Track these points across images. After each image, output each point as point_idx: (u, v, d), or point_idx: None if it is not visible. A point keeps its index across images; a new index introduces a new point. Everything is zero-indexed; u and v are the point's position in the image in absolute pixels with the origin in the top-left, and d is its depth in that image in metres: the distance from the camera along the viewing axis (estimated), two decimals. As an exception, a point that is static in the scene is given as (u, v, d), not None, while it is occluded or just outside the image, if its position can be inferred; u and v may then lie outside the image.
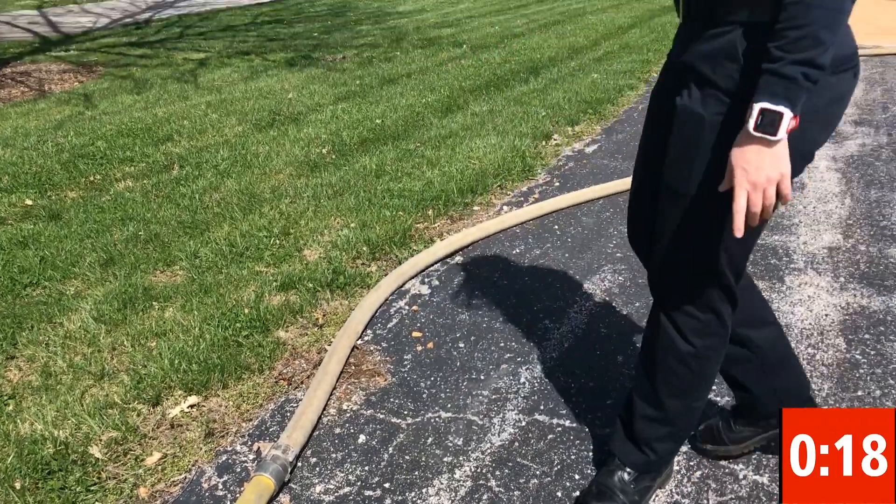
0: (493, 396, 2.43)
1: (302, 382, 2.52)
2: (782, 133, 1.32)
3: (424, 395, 2.45)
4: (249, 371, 2.58)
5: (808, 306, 2.88)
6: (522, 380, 2.51)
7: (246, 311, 2.90)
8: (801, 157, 1.48)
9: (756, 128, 1.33)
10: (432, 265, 3.32)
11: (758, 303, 1.91)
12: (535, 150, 4.85)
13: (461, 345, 2.73)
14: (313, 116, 5.85)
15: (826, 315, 2.82)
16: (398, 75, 7.27)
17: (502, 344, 2.72)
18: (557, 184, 4.34)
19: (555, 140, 5.12)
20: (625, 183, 4.13)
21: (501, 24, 10.42)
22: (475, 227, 3.61)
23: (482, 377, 2.54)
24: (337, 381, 2.50)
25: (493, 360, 2.62)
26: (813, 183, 4.14)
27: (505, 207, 3.99)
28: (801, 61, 1.28)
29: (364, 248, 3.42)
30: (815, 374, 2.47)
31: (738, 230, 1.40)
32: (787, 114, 1.30)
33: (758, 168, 1.35)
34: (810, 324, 2.74)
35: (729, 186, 1.41)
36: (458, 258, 3.41)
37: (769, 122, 1.31)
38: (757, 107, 1.32)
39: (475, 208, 3.99)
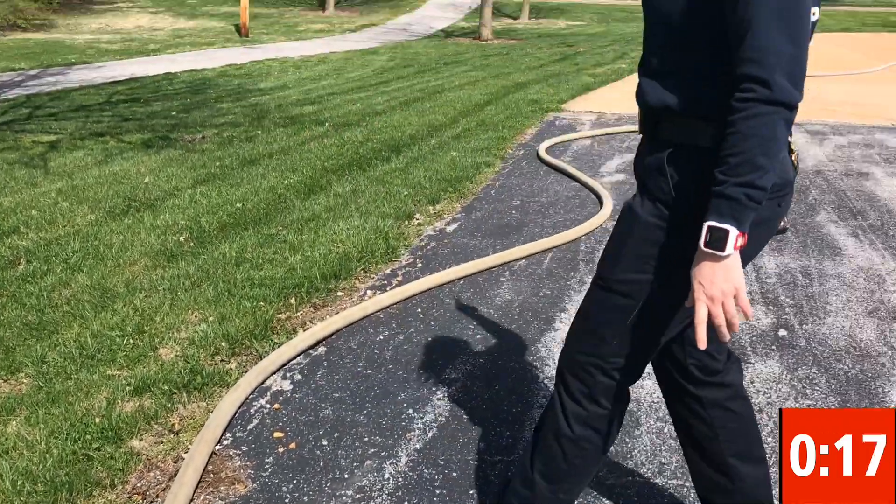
0: (357, 496, 2.41)
1: (157, 496, 2.42)
2: (730, 249, 1.44)
3: (286, 501, 2.39)
4: (101, 487, 2.45)
5: (654, 379, 3.02)
6: (387, 475, 2.51)
7: (97, 420, 2.77)
8: None
9: (706, 244, 1.45)
10: (294, 358, 3.29)
11: (752, 437, 1.96)
12: (398, 231, 4.93)
13: (324, 442, 2.70)
14: (171, 202, 5.72)
15: (673, 388, 2.96)
16: (260, 155, 7.24)
17: (366, 438, 2.72)
18: (420, 264, 4.41)
19: (417, 219, 5.23)
20: (483, 262, 4.26)
21: (363, 101, 10.60)
22: (338, 315, 3.61)
23: (346, 475, 2.51)
24: (195, 492, 2.41)
25: (357, 457, 2.61)
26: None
27: (369, 292, 4.02)
28: (742, 184, 1.41)
29: (223, 344, 3.35)
30: (663, 448, 2.60)
31: (701, 342, 1.50)
32: (734, 231, 1.43)
33: (711, 282, 1.47)
34: (658, 397, 2.88)
35: (691, 303, 1.52)
36: (322, 349, 3.39)
37: (717, 239, 1.44)
38: (706, 225, 1.45)
39: (339, 294, 4.00)
